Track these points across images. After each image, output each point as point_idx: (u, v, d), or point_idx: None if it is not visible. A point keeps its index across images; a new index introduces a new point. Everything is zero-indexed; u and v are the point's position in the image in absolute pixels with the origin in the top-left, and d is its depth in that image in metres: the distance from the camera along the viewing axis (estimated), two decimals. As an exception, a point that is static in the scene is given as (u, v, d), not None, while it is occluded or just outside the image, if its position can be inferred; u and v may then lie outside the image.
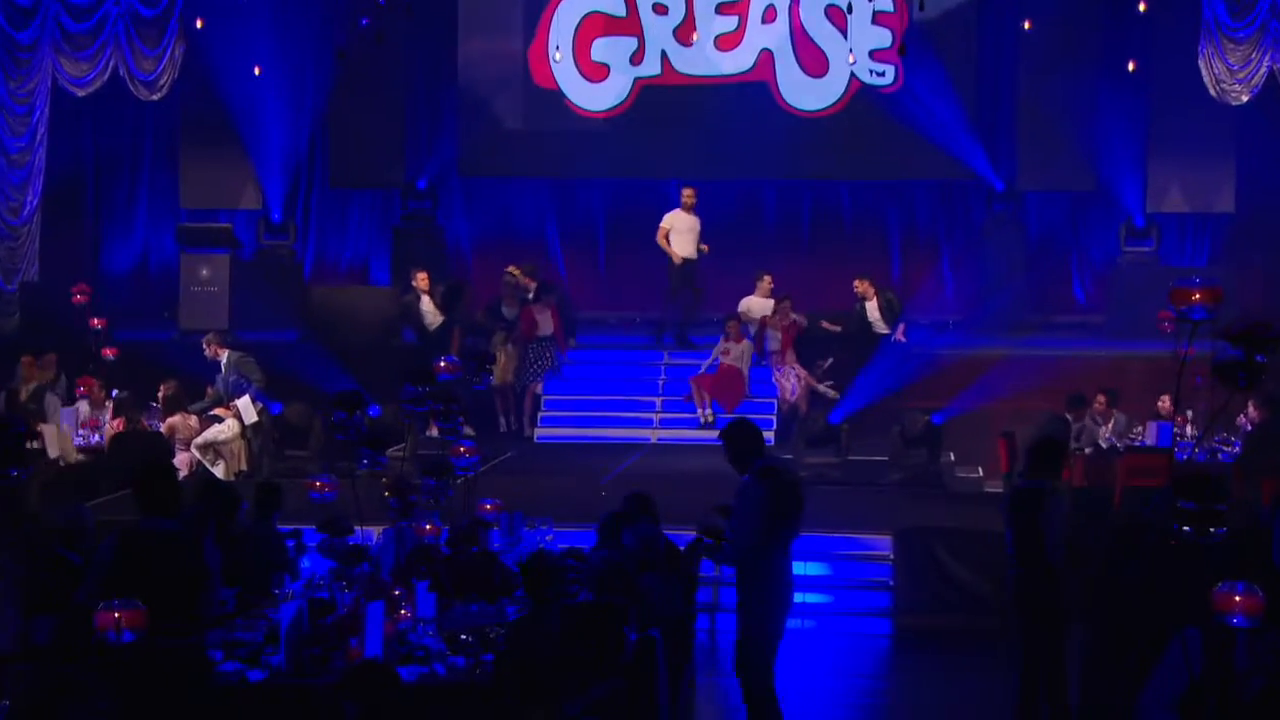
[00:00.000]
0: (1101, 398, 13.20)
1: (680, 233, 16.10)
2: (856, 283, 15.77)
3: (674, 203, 17.60)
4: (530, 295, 16.03)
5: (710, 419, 15.11)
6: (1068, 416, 13.19)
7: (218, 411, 13.62)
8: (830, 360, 14.97)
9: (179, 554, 6.20)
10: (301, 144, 18.66)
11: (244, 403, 13.56)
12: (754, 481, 7.31)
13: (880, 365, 15.03)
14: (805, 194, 18.96)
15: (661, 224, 16.21)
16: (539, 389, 15.65)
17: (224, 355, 13.92)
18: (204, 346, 14.11)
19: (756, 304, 16.01)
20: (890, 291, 15.88)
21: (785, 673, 8.83)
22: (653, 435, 15.22)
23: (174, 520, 6.33)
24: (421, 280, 16.14)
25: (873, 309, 15.66)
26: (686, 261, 16.13)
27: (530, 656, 5.89)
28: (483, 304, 16.10)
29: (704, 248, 16.19)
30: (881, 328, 15.63)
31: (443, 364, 8.23)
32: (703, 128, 18.11)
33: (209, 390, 13.89)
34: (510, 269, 16.18)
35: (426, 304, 15.97)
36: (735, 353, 15.31)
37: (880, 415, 14.58)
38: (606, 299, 18.14)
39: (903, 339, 15.46)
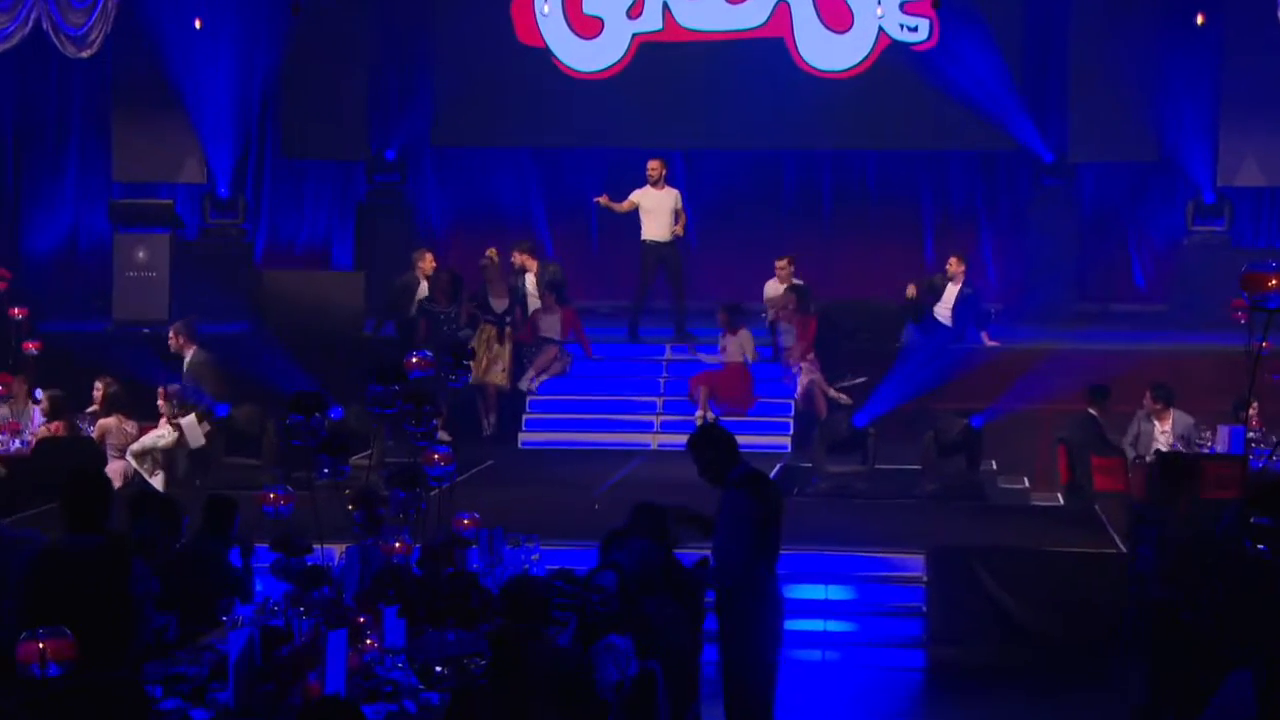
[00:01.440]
0: (1149, 394, 13.20)
1: (649, 212, 15.99)
2: (954, 260, 15.73)
3: (680, 177, 17.60)
4: (527, 277, 15.90)
5: (712, 421, 15.13)
6: (1091, 412, 13.23)
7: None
8: (861, 379, 14.92)
9: (102, 575, 6.18)
10: (252, 109, 18.67)
11: (189, 423, 13.46)
12: (738, 491, 7.39)
13: (911, 361, 15.06)
14: (826, 166, 18.98)
15: (631, 196, 16.10)
16: (534, 387, 15.62)
17: (189, 352, 13.84)
18: (170, 338, 14.01)
19: (771, 291, 15.99)
20: (973, 288, 15.82)
21: (799, 713, 8.81)
22: (653, 440, 15.22)
23: (99, 537, 6.32)
24: (428, 262, 15.99)
25: (950, 294, 15.63)
26: (657, 244, 15.99)
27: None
28: (468, 293, 16.01)
29: (678, 230, 16.06)
30: (944, 316, 15.61)
31: (414, 359, 8.21)
32: (709, 91, 18.11)
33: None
34: (489, 253, 16.10)
35: (425, 292, 15.87)
36: (732, 347, 15.29)
37: (911, 418, 14.58)
38: (601, 286, 18.15)
39: (990, 343, 15.56)
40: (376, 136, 18.70)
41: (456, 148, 19.15)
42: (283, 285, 17.32)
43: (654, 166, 16.10)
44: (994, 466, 14.34)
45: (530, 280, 16.04)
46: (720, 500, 7.43)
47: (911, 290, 15.76)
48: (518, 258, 16.11)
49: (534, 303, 15.92)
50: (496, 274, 15.82)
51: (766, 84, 17.94)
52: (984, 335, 15.70)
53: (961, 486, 13.53)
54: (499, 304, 15.71)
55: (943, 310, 15.66)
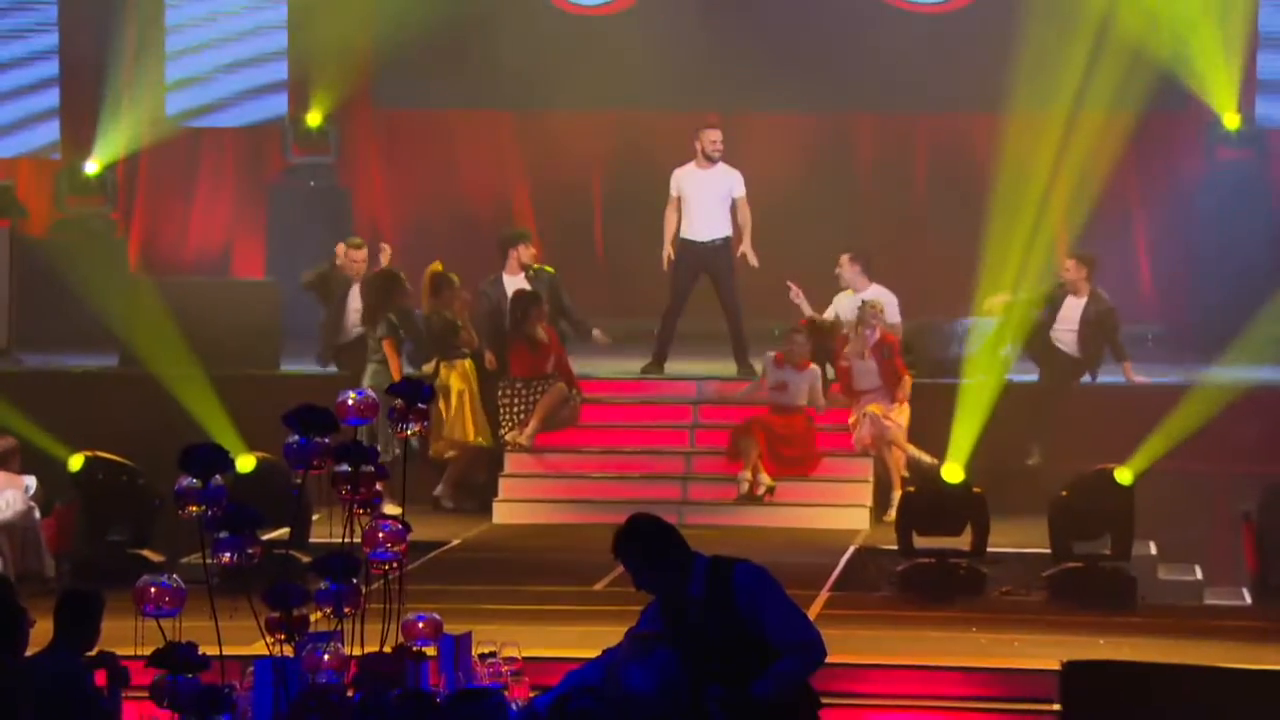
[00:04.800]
0: None
1: (695, 199, 16.04)
2: (1071, 264, 15.74)
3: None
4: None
5: (766, 487, 15.09)
6: None
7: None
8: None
9: None
10: (129, 58, 18.70)
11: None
12: (744, 567, 7.41)
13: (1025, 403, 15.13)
14: (918, 136, 18.97)
15: (670, 189, 16.12)
16: (530, 439, 15.53)
17: None
18: None
19: (847, 304, 15.92)
20: (1106, 302, 15.78)
21: None
22: (678, 512, 15.19)
23: None
24: (356, 254, 16.05)
25: (1073, 309, 15.66)
26: (698, 246, 15.99)
27: None
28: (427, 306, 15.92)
29: (748, 254, 15.99)
30: (1069, 344, 15.64)
31: (351, 401, 8.21)
32: (756, 34, 18.13)
33: None
34: (433, 268, 15.93)
35: (355, 302, 15.89)
36: (795, 386, 15.25)
37: (1034, 476, 14.55)
38: (606, 299, 18.15)
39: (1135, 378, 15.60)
40: (296, 94, 18.73)
41: (407, 111, 19.17)
42: (168, 298, 17.26)
43: (711, 138, 15.98)
44: (1152, 550, 14.28)
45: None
46: (738, 586, 7.40)
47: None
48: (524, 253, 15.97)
49: None
50: (460, 294, 15.68)
51: (834, 24, 17.97)
52: (1125, 367, 15.65)
53: (1107, 577, 13.47)
54: (466, 333, 15.65)
55: (1064, 332, 15.64)
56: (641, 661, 7.45)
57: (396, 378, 14.29)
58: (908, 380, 15.24)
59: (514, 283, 15.86)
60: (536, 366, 15.52)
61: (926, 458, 14.87)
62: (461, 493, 15.66)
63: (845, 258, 15.91)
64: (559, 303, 16.10)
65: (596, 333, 16.30)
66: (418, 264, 16.96)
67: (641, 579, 7.55)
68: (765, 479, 15.08)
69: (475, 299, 15.86)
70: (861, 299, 15.58)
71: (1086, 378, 15.75)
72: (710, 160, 15.98)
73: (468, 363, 15.56)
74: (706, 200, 15.96)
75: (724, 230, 16.03)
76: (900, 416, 15.15)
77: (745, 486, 15.05)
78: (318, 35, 18.81)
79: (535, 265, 16.04)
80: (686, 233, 16.02)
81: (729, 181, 16.03)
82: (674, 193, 16.06)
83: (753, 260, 16.01)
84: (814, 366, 15.39)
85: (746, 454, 15.14)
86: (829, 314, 15.96)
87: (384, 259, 16.19)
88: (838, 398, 15.46)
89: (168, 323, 16.87)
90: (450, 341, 15.55)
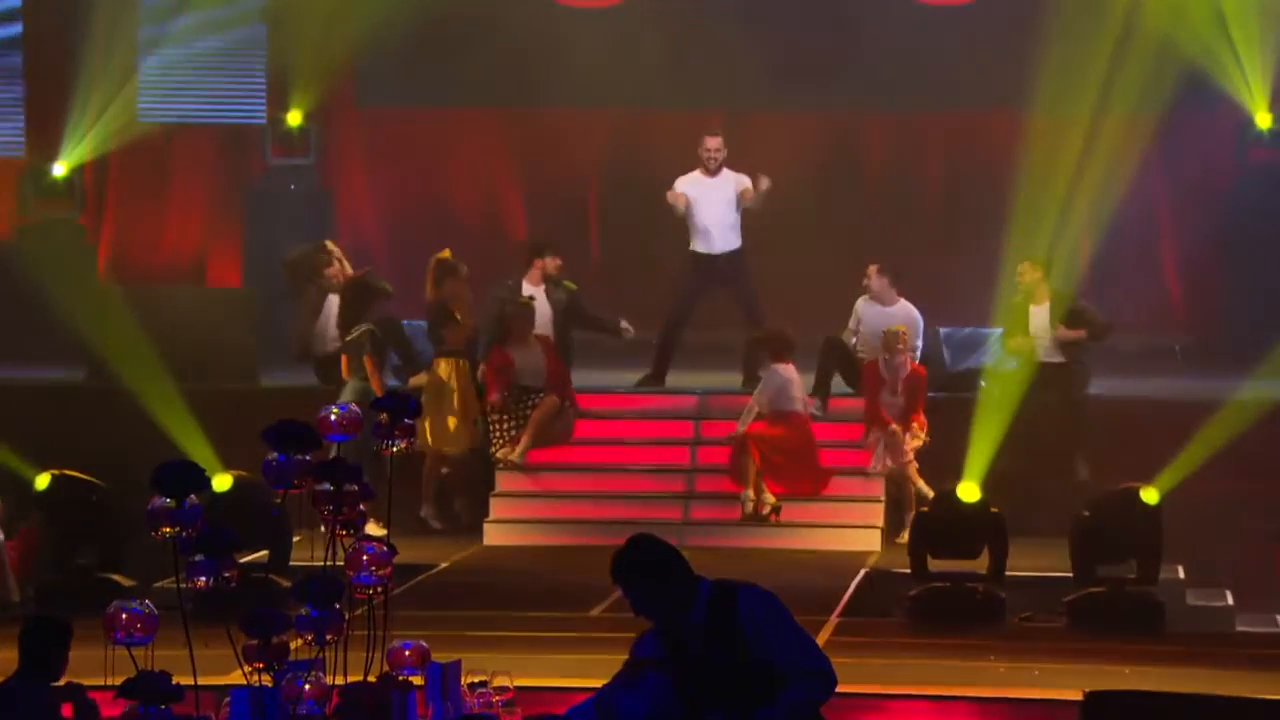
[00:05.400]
0: None
1: (704, 210, 16.09)
2: (1024, 268, 15.78)
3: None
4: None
5: (771, 506, 15.07)
6: None
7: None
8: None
9: None
10: (95, 49, 18.68)
11: None
12: (750, 592, 7.34)
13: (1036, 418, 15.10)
14: (932, 138, 18.95)
15: (677, 186, 16.17)
16: (522, 457, 15.51)
17: None
18: None
19: (871, 315, 15.88)
20: (1081, 302, 15.77)
21: None
22: (679, 533, 15.16)
23: None
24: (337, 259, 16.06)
25: (1039, 316, 15.63)
26: (709, 258, 16.08)
27: None
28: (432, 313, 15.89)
29: (759, 187, 16.01)
30: (1051, 353, 15.63)
31: (333, 416, 8.19)
32: (758, 29, 18.11)
33: None
34: (441, 255, 16.06)
35: (333, 309, 15.92)
36: (797, 390, 15.25)
37: (1052, 495, 14.51)
38: (603, 308, 18.11)
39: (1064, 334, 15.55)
40: (275, 94, 18.72)
41: (392, 109, 19.15)
42: (140, 308, 17.24)
43: (711, 147, 16.03)
44: (1180, 573, 14.25)
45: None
46: (749, 611, 7.34)
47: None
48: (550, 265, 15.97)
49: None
50: (464, 285, 15.75)
51: (846, 18, 17.95)
52: (1060, 328, 15.61)
53: (1132, 602, 13.44)
54: (463, 329, 15.67)
55: (1042, 343, 15.66)
56: (632, 689, 7.43)
57: (379, 394, 14.32)
58: (920, 422, 15.23)
59: (532, 292, 15.90)
60: (522, 377, 15.55)
61: (928, 491, 14.87)
62: (446, 510, 15.61)
63: (873, 269, 15.91)
64: (580, 315, 16.19)
65: (623, 324, 16.31)
66: (403, 270, 16.99)
67: (641, 604, 7.49)
68: (769, 497, 15.06)
69: (488, 301, 15.85)
70: (887, 321, 15.55)
71: (1094, 386, 15.79)
72: (711, 171, 16.01)
73: (459, 362, 15.52)
74: (716, 209, 16.02)
75: (736, 241, 16.11)
76: (917, 442, 15.16)
77: (749, 506, 15.03)
78: (298, 29, 18.82)
79: (558, 278, 16.09)
80: (698, 245, 16.12)
81: (736, 186, 16.06)
82: (678, 188, 16.04)
83: (766, 183, 16.01)
84: (773, 369, 15.33)
85: (745, 472, 15.13)
86: (851, 320, 15.97)
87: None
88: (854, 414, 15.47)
89: (139, 334, 16.85)
90: (443, 334, 15.55)
